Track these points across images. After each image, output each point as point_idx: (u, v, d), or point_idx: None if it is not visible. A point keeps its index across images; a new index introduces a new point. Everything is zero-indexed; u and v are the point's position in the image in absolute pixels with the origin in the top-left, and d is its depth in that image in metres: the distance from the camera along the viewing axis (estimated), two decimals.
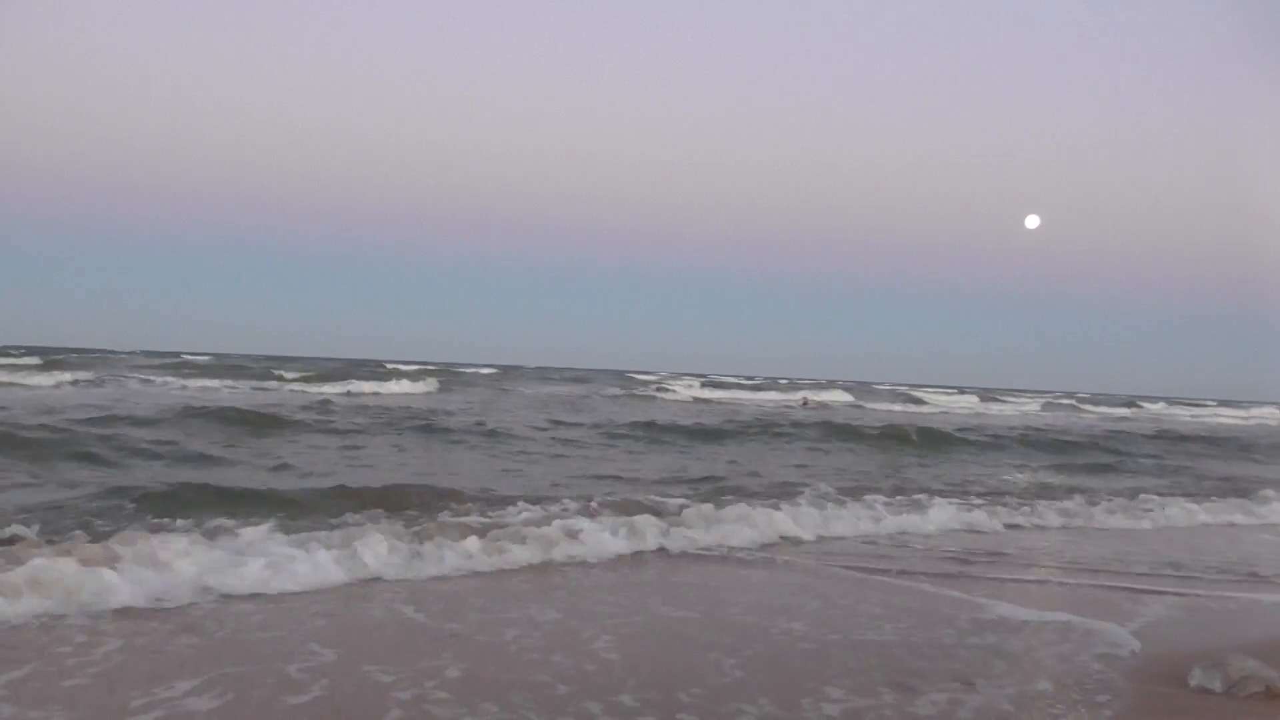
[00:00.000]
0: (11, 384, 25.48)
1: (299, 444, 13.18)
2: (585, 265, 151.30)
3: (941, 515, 9.26)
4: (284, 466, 10.84)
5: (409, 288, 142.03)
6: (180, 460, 10.83)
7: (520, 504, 8.28)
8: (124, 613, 4.74)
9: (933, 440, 18.55)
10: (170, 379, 30.80)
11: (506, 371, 57.54)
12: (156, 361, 44.47)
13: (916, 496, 10.35)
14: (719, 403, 35.15)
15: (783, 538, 7.93)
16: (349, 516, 7.58)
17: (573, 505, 8.28)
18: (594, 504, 8.27)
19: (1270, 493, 12.01)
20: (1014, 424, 28.02)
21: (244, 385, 29.79)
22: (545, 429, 17.29)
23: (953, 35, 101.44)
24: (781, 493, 10.04)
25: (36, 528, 6.41)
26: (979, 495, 10.99)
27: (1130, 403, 58.96)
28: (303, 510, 7.83)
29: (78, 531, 6.50)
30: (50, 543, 6.03)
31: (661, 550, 7.18)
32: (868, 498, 9.90)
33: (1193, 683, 4.23)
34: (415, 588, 5.68)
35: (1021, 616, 5.56)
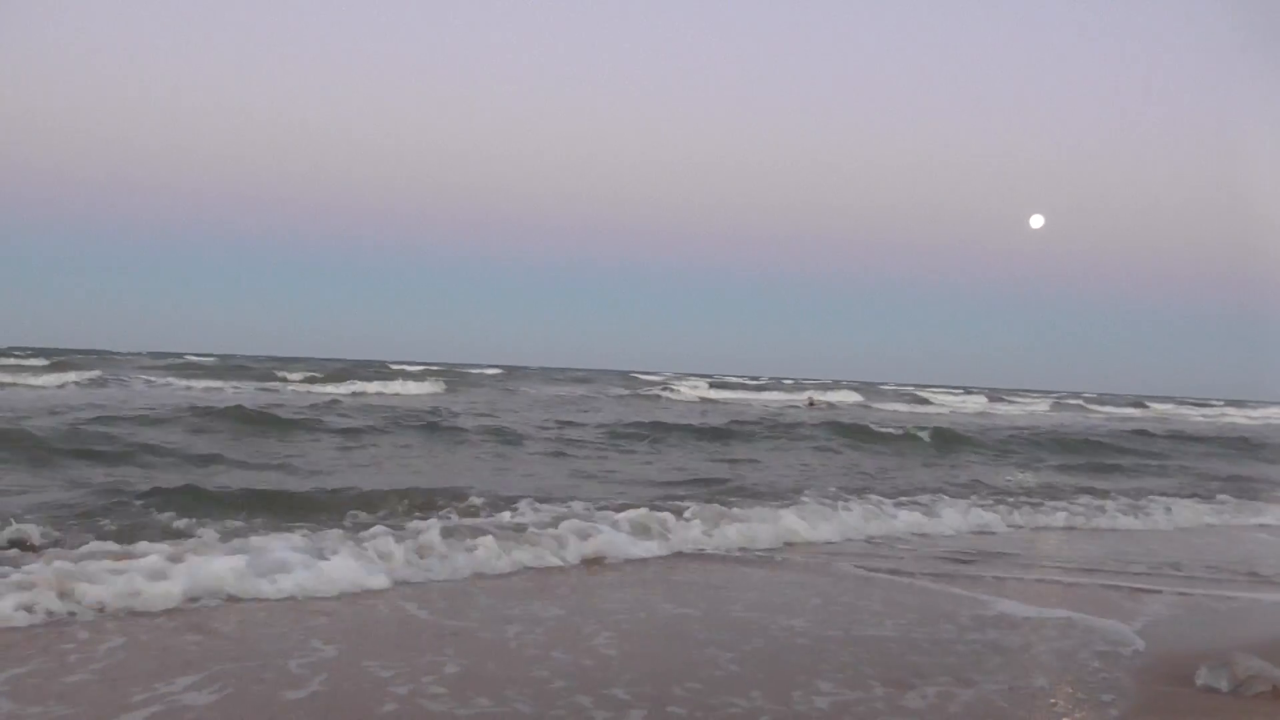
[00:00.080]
0: (17, 385, 25.59)
1: (305, 444, 13.20)
2: (589, 265, 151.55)
3: (948, 515, 9.24)
4: (290, 466, 10.86)
5: (412, 288, 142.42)
6: (186, 460, 10.84)
7: (528, 504, 8.25)
8: (127, 611, 4.76)
9: (941, 440, 18.51)
10: (174, 380, 30.91)
11: (511, 372, 57.49)
12: (160, 362, 44.66)
13: (923, 497, 10.32)
14: (725, 403, 35.12)
15: (788, 538, 7.91)
16: (359, 516, 7.61)
17: (580, 506, 8.26)
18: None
19: (1278, 493, 11.94)
20: (1022, 424, 27.94)
21: (247, 386, 29.85)
22: (551, 429, 17.29)
23: (956, 35, 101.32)
24: (787, 493, 10.02)
25: (43, 528, 6.42)
26: (986, 495, 10.95)
27: (1138, 403, 58.79)
28: (309, 510, 7.84)
29: (83, 531, 6.53)
30: (56, 543, 6.06)
31: (668, 550, 7.17)
32: (874, 497, 9.88)
33: (1199, 682, 4.20)
34: (421, 587, 5.70)
35: (1023, 614, 5.54)
